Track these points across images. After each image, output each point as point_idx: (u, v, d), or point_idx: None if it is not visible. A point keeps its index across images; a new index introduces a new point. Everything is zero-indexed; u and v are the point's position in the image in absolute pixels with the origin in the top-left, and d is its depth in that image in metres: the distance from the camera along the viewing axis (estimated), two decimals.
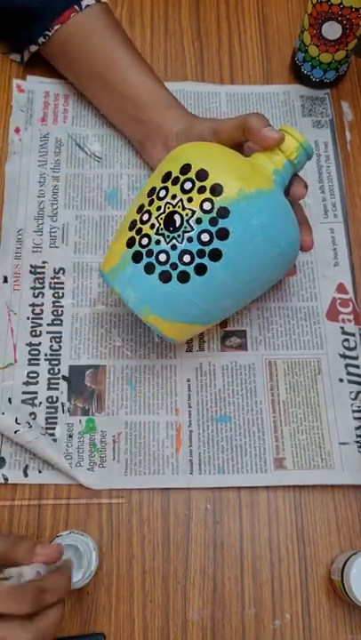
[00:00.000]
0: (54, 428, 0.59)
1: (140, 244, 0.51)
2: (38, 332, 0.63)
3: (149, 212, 0.51)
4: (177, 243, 0.49)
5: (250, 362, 0.62)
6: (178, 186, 0.50)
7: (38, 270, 0.65)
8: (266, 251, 0.50)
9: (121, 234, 0.54)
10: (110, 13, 0.68)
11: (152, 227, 0.51)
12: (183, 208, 0.49)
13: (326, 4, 0.63)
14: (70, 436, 0.59)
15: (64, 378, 0.61)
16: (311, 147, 0.54)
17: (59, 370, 0.62)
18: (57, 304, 0.64)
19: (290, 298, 0.65)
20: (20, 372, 0.61)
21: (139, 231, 0.51)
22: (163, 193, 0.51)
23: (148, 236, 0.51)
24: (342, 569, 0.52)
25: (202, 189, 0.49)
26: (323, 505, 0.58)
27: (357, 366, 0.62)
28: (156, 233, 0.50)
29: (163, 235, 0.50)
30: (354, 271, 0.66)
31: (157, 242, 0.50)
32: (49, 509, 0.57)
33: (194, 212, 0.49)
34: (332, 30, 0.65)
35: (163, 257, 0.50)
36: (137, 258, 0.51)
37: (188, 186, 0.50)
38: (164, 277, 0.50)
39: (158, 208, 0.51)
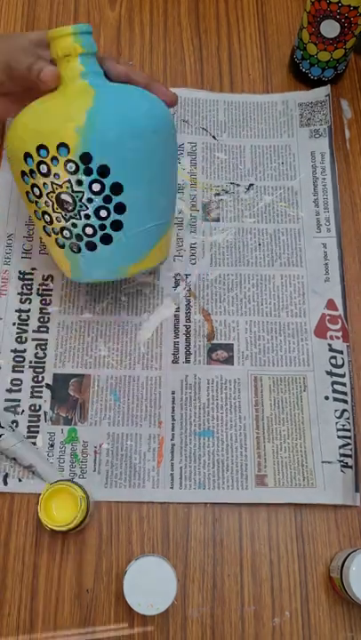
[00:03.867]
0: (36, 437, 0.59)
1: (65, 237, 0.53)
2: (24, 339, 0.62)
3: (47, 213, 0.52)
4: (86, 210, 0.51)
5: (236, 377, 0.62)
6: (38, 174, 0.51)
7: (27, 277, 0.65)
8: (143, 143, 0.50)
9: (46, 242, 0.56)
10: None
11: (58, 219, 0.52)
12: (60, 186, 0.50)
13: (325, 1, 0.63)
14: (52, 446, 0.59)
15: (48, 386, 0.61)
16: (80, 24, 0.52)
17: (43, 378, 0.61)
18: (44, 311, 0.64)
19: (278, 313, 0.64)
20: (3, 379, 0.61)
21: (55, 231, 0.53)
22: (37, 191, 0.52)
23: (65, 228, 0.52)
24: (342, 566, 0.52)
25: (54, 160, 0.49)
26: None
27: (344, 384, 0.61)
28: (67, 220, 0.52)
29: (72, 217, 0.51)
30: (345, 287, 0.65)
31: (74, 225, 0.52)
32: None
33: (70, 181, 0.49)
34: (330, 28, 0.65)
35: (89, 230, 0.52)
36: (74, 249, 0.53)
37: (44, 169, 0.50)
38: (106, 240, 0.52)
39: (47, 203, 0.52)
